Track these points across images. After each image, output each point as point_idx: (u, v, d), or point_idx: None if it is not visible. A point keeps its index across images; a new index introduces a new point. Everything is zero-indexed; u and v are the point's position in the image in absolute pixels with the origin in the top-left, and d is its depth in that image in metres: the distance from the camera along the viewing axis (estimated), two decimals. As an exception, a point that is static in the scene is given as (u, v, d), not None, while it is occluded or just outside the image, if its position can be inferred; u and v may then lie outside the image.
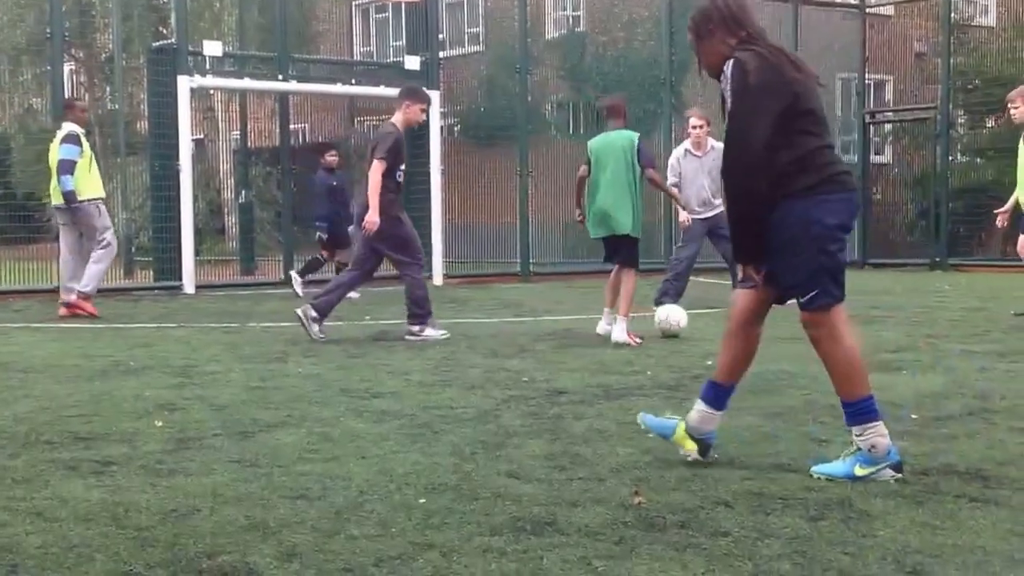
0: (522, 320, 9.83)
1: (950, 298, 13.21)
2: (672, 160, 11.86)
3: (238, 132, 20.19)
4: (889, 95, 24.17)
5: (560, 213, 20.04)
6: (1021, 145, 10.34)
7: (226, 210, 22.34)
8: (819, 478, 4.20)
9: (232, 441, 5.00)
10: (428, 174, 17.25)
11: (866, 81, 21.91)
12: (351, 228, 14.67)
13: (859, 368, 4.27)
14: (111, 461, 4.59)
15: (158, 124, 15.93)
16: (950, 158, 20.25)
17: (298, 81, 17.09)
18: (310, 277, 14.67)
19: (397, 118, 9.46)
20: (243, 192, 19.05)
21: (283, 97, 17.88)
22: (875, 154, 22.68)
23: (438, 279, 17.09)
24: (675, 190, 11.11)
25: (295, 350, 8.48)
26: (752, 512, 3.74)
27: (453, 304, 13.18)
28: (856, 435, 4.24)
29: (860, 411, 4.24)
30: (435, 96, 17.38)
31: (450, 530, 3.56)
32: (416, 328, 9.20)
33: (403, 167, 9.39)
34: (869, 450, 4.19)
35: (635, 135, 9.29)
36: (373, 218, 8.98)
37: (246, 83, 17.14)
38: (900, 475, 4.20)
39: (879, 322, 10.15)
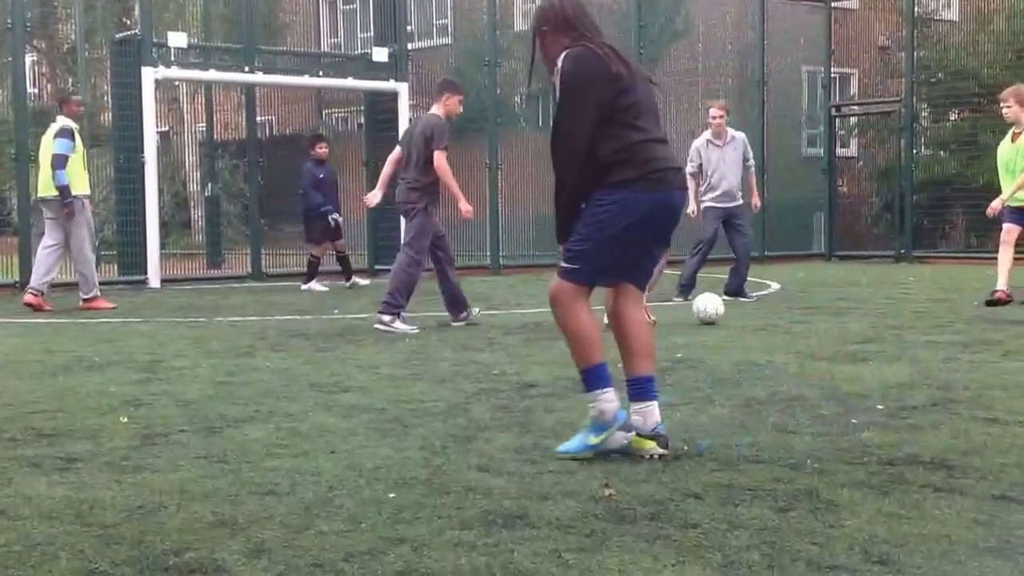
0: (492, 313, 9.83)
1: (914, 290, 13.31)
2: (693, 149, 12.14)
3: (204, 124, 20.05)
4: (854, 88, 24.33)
5: (530, 206, 20.07)
6: (1003, 144, 10.48)
7: (192, 203, 22.19)
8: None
9: (199, 437, 4.97)
10: (396, 167, 17.18)
11: (831, 75, 22.02)
12: (339, 219, 14.75)
13: (592, 338, 4.47)
14: (75, 458, 4.55)
15: (122, 116, 15.78)
16: (914, 151, 20.39)
17: (264, 73, 16.98)
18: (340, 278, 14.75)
19: (438, 110, 9.60)
20: (209, 185, 18.94)
21: (249, 89, 17.76)
22: (841, 147, 22.81)
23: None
24: (693, 187, 11.22)
25: (263, 344, 8.45)
26: (721, 504, 3.76)
27: (423, 297, 13.14)
28: (590, 403, 4.45)
29: (591, 377, 4.46)
30: (403, 88, 17.37)
31: (420, 524, 3.55)
32: (387, 318, 9.19)
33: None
34: (598, 415, 4.42)
35: None
36: (466, 206, 9.49)
37: (212, 75, 16.99)
38: (630, 434, 4.41)
39: (845, 313, 10.22)
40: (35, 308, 11.49)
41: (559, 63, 4.49)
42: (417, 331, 9.13)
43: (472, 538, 3.40)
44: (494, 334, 8.95)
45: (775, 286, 14.17)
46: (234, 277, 17.07)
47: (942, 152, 20.86)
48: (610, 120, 4.41)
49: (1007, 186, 10.25)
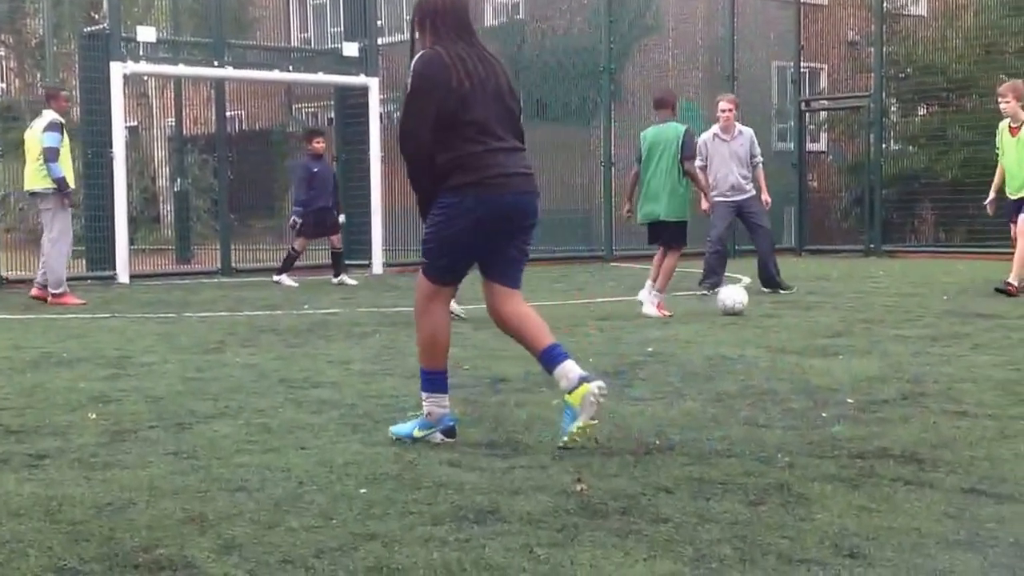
0: (464, 307, 9.79)
1: (884, 284, 13.38)
2: (700, 143, 12.05)
3: (173, 119, 19.92)
4: (823, 83, 24.43)
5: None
6: (1003, 137, 10.85)
7: (161, 198, 22.05)
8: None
9: (169, 433, 4.94)
10: (368, 161, 17.15)
11: (801, 70, 22.11)
12: (342, 217, 14.64)
13: (440, 344, 4.67)
14: (44, 454, 4.52)
15: (90, 111, 15.66)
16: (883, 146, 20.51)
17: (234, 67, 16.87)
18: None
19: None
20: (178, 180, 18.81)
21: (219, 84, 17.65)
22: (810, 142, 22.91)
23: (378, 267, 17.00)
24: (704, 182, 11.20)
25: (232, 340, 8.40)
26: (693, 498, 3.76)
27: (394, 292, 13.13)
28: (423, 400, 4.68)
29: (430, 380, 4.69)
30: (374, 83, 17.31)
31: (391, 520, 3.54)
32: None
33: None
34: (427, 415, 4.66)
35: (683, 127, 9.88)
36: None
37: (181, 69, 16.89)
38: (452, 439, 4.63)
39: (816, 308, 10.27)
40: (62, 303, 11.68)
41: (412, 62, 4.62)
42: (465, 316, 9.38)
43: (443, 533, 3.39)
44: (464, 329, 8.93)
45: (746, 280, 14.21)
46: (203, 272, 16.96)
47: (911, 147, 21.00)
48: (449, 129, 4.51)
49: (1010, 178, 10.75)
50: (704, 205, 11.45)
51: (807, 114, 22.22)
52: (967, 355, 7.02)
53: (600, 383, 4.50)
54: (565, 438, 4.50)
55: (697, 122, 20.90)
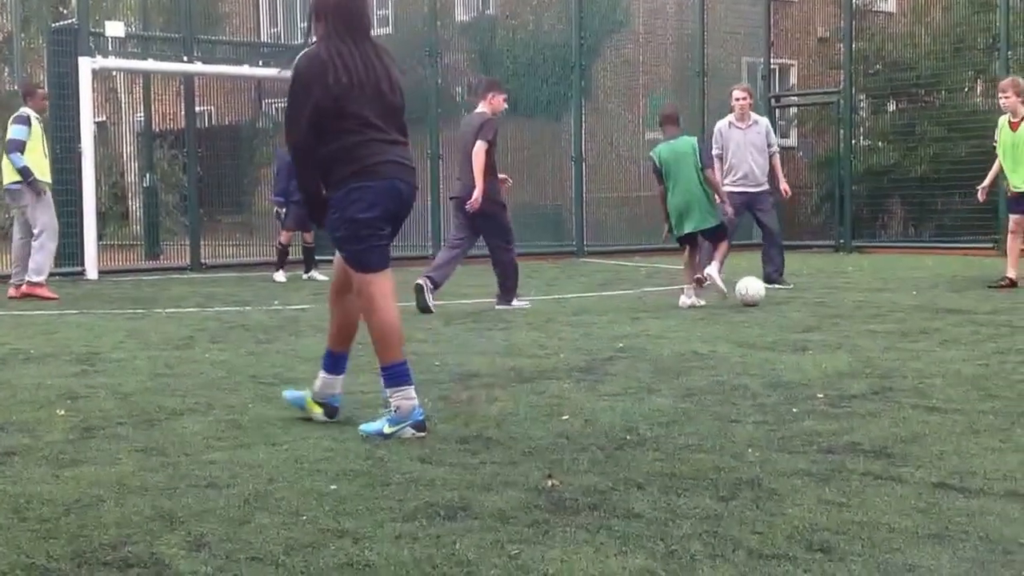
0: (434, 303, 9.79)
1: (854, 279, 13.45)
2: (716, 131, 12.25)
3: (142, 114, 19.78)
4: (794, 79, 24.53)
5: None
6: (1002, 131, 11.16)
7: (130, 194, 21.87)
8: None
9: (138, 430, 4.91)
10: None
11: (771, 65, 22.18)
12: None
13: (393, 336, 4.78)
14: (12, 452, 4.48)
15: (59, 106, 15.49)
16: (853, 141, 20.59)
17: (203, 63, 16.79)
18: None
19: (484, 107, 10.16)
20: (147, 175, 18.68)
21: (188, 79, 17.54)
22: (781, 137, 22.95)
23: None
24: (719, 184, 11.12)
25: (202, 336, 8.35)
26: (663, 493, 3.77)
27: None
28: (389, 397, 4.75)
29: (392, 375, 4.76)
30: (344, 79, 17.24)
31: (362, 516, 3.53)
32: (506, 302, 10.02)
33: None
34: (395, 410, 4.70)
35: (694, 139, 10.31)
36: (478, 196, 9.75)
37: (150, 64, 16.78)
38: (423, 433, 4.67)
39: (786, 303, 10.30)
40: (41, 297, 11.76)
41: (296, 58, 4.87)
42: (531, 306, 10.11)
43: (414, 530, 3.38)
44: (435, 324, 8.92)
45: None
46: (173, 268, 16.87)
47: (880, 143, 21.09)
48: (331, 120, 4.71)
49: (1011, 173, 11.08)
50: (728, 209, 11.41)
51: (777, 110, 22.31)
52: (936, 350, 7.06)
53: (326, 418, 5.01)
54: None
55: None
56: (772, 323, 8.71)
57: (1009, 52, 17.89)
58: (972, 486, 3.82)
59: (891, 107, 21.57)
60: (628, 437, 4.62)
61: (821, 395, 5.54)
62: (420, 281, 9.75)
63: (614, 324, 8.71)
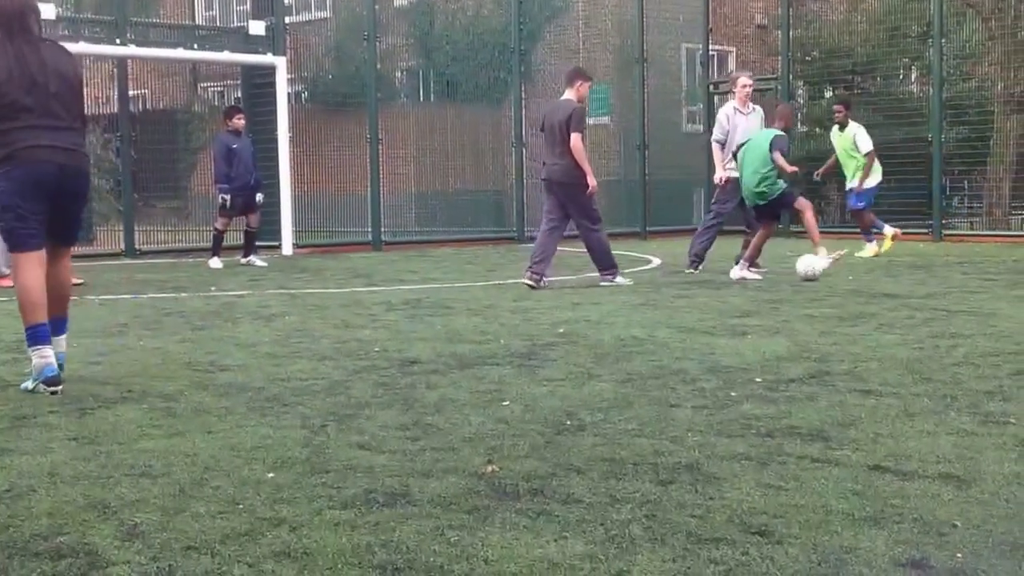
0: (374, 290, 9.74)
1: (791, 264, 13.53)
2: (721, 117, 12.46)
3: (75, 98, 19.43)
4: (732, 66, 24.66)
5: (412, 181, 19.92)
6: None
7: (63, 178, 21.52)
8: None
9: (70, 418, 4.82)
10: (276, 141, 16.92)
11: (710, 52, 22.29)
12: (259, 196, 14.30)
13: (31, 302, 5.42)
14: (-61, 441, 4.38)
15: (-12, 89, 15.21)
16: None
17: (137, 46, 16.53)
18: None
19: (572, 95, 10.67)
20: (80, 160, 18.35)
21: (121, 62, 17.28)
22: (718, 124, 23.11)
23: (287, 248, 16.80)
24: (718, 152, 12.22)
25: (136, 323, 8.24)
26: (603, 478, 3.77)
27: (303, 274, 12.99)
28: (31, 355, 5.40)
29: (30, 336, 5.41)
30: (281, 62, 17.08)
31: (300, 504, 3.49)
32: (610, 277, 10.68)
33: None
34: (34, 368, 5.35)
35: (773, 132, 11.31)
36: (592, 182, 10.40)
37: (82, 47, 16.39)
38: (54, 388, 5.29)
39: (725, 288, 10.37)
40: None
41: None
42: (631, 283, 10.71)
43: (353, 517, 3.35)
44: (376, 311, 8.87)
45: (656, 261, 14.34)
46: (106, 254, 16.62)
47: (817, 129, 21.28)
48: None
49: None
50: (718, 176, 12.16)
51: (716, 96, 22.43)
52: (872, 334, 7.14)
53: (36, 386, 5.38)
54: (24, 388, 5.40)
55: (605, 106, 21.05)
56: (711, 308, 8.75)
57: (943, 40, 18.14)
58: (907, 468, 3.86)
59: (828, 94, 21.77)
60: (568, 422, 4.62)
61: (759, 379, 5.57)
62: (527, 281, 10.37)
63: (555, 310, 8.71)
